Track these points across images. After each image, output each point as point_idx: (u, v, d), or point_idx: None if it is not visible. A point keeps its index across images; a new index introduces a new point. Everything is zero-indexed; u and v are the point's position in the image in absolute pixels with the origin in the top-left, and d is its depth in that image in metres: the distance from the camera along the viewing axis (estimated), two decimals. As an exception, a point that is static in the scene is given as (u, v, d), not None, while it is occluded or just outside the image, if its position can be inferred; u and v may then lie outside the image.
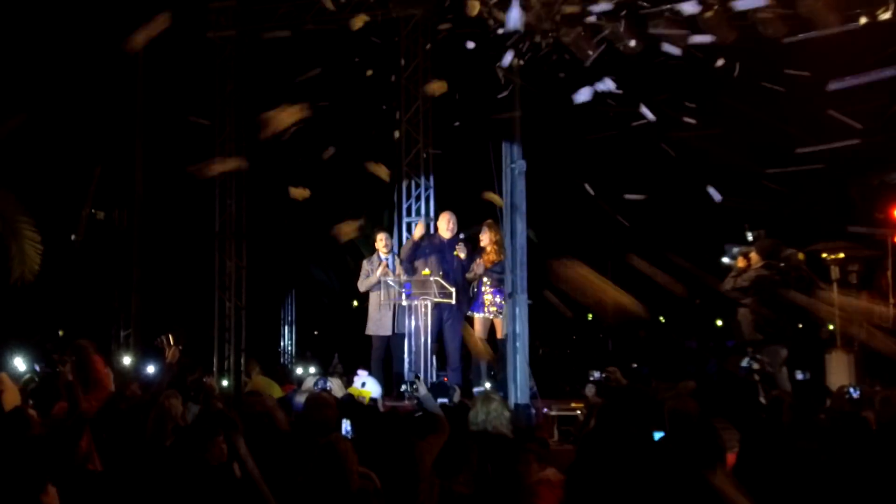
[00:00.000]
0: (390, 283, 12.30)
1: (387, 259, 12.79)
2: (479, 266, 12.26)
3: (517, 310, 9.86)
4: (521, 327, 9.86)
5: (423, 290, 11.93)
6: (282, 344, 32.52)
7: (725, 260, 11.86)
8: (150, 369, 11.22)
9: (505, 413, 7.13)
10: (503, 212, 10.08)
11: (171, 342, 7.60)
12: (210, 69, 16.40)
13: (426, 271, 12.12)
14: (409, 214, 15.17)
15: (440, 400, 8.68)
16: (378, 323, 12.67)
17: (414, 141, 15.14)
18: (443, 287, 11.88)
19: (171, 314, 16.38)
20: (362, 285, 12.76)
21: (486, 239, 12.40)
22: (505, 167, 10.05)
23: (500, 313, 12.14)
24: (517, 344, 9.83)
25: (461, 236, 12.55)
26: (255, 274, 16.79)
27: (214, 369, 16.10)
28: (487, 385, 11.74)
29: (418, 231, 12.83)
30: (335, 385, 9.80)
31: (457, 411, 8.23)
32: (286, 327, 33.05)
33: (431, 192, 15.15)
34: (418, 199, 15.16)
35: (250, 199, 16.58)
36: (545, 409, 10.14)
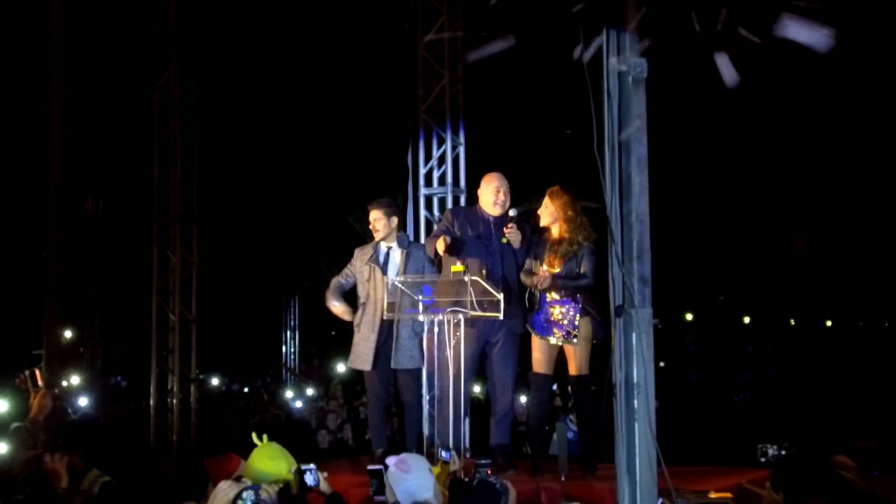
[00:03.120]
0: (396, 283, 7.96)
1: (387, 249, 8.55)
2: (543, 276, 8.02)
3: (634, 338, 5.44)
4: (643, 372, 5.45)
5: (454, 296, 7.61)
6: (283, 351, 29.43)
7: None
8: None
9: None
10: (603, 163, 5.66)
11: (37, 381, 6.24)
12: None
13: (458, 266, 7.76)
14: (428, 184, 10.80)
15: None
16: (360, 349, 8.57)
17: (435, 73, 10.77)
18: (486, 292, 7.56)
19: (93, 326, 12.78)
20: (331, 297, 8.66)
21: (548, 217, 8.16)
22: (607, 75, 5.61)
23: (576, 337, 8.02)
24: (633, 401, 5.43)
25: (512, 213, 8.20)
26: (210, 273, 12.56)
27: (152, 405, 11.86)
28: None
29: (440, 245, 8.40)
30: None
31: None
32: (288, 332, 30.04)
33: (462, 149, 10.77)
34: (442, 161, 10.79)
35: (206, 167, 12.31)
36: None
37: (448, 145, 10.69)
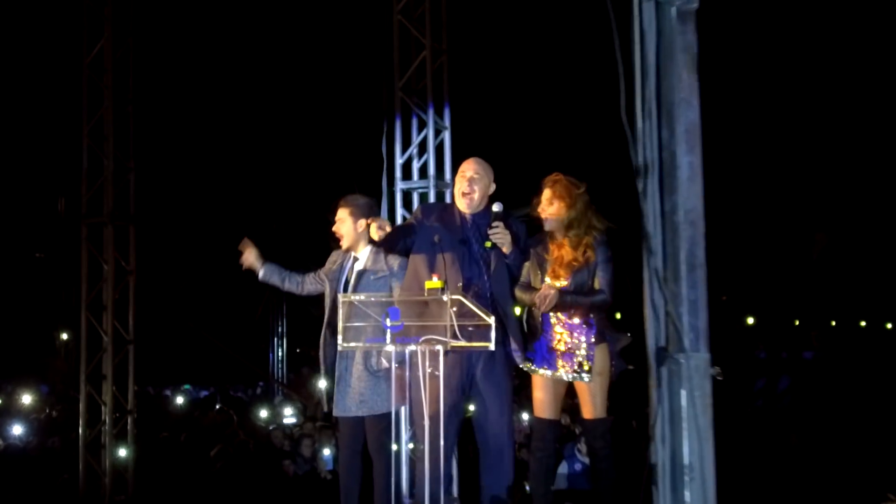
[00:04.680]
0: (355, 301, 6.22)
1: (353, 261, 6.95)
2: (547, 293, 6.34)
3: (683, 397, 3.72)
4: (697, 447, 3.73)
5: (429, 320, 5.88)
6: (271, 358, 27.97)
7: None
8: None
9: None
10: (635, 135, 3.93)
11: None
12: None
13: (435, 282, 6.00)
14: (407, 177, 9.05)
15: None
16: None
17: (415, 42, 9.03)
18: (471, 315, 5.83)
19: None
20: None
21: (551, 215, 6.50)
22: (640, 7, 3.90)
23: (589, 371, 6.42)
24: (684, 492, 3.72)
25: (496, 207, 6.44)
26: (151, 283, 10.83)
27: (80, 442, 10.15)
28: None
29: (374, 233, 6.78)
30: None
31: None
32: (276, 340, 28.66)
33: (447, 135, 9.03)
34: (423, 149, 9.05)
35: (144, 158, 10.59)
36: None
37: (430, 130, 8.95)
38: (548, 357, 6.52)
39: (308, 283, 7.08)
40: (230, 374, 25.08)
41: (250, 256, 6.96)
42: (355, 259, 6.93)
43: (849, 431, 13.77)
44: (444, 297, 5.85)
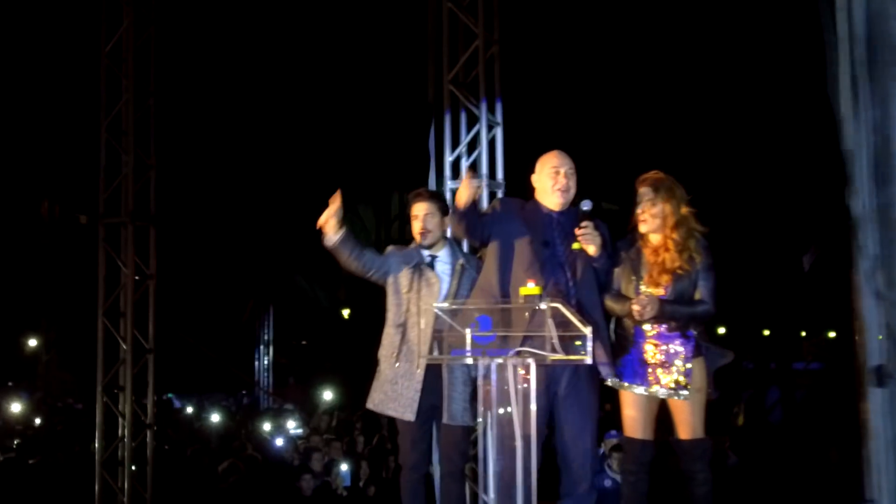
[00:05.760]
0: (437, 311, 5.63)
1: (431, 260, 6.38)
2: (646, 302, 5.78)
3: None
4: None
5: (525, 330, 5.31)
6: (256, 366, 27.53)
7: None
8: None
9: None
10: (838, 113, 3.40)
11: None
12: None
13: (532, 288, 5.42)
14: (456, 175, 8.48)
15: None
16: (396, 389, 6.34)
17: (464, 32, 8.46)
18: (566, 325, 5.26)
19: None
20: (394, 316, 6.42)
21: (649, 217, 5.92)
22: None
23: (687, 387, 5.84)
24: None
25: (586, 206, 5.86)
26: (170, 287, 10.23)
27: (97, 458, 9.54)
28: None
29: (464, 191, 6.00)
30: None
31: None
32: (262, 347, 28.25)
33: (499, 130, 8.46)
34: (473, 146, 8.49)
35: (165, 157, 10.01)
36: None
37: (483, 125, 8.37)
38: (640, 372, 5.98)
39: (386, 265, 6.44)
40: (210, 383, 24.52)
41: (335, 212, 6.20)
42: (432, 258, 6.39)
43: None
44: (543, 305, 5.28)
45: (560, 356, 5.28)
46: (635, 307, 5.81)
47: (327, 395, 21.36)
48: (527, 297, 5.39)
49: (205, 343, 22.10)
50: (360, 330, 21.68)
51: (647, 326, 5.96)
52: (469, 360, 5.61)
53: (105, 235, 9.71)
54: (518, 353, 5.33)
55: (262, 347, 28.05)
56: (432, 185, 8.50)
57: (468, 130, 8.49)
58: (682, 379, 5.89)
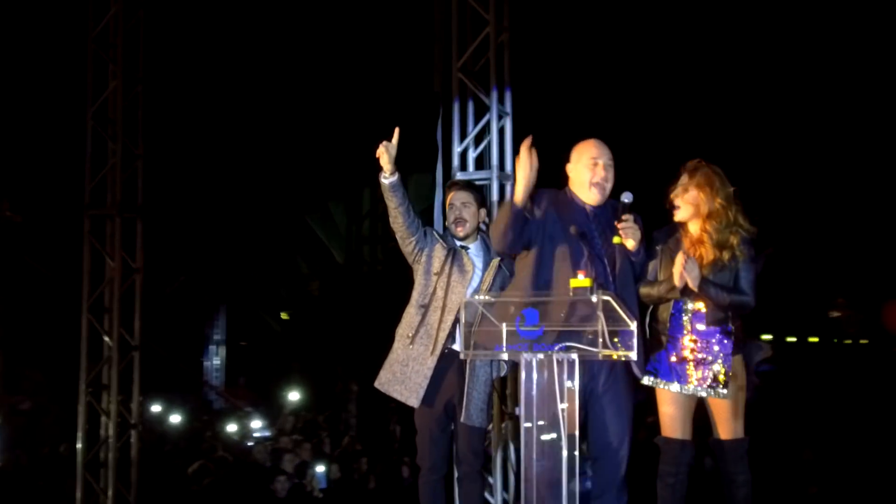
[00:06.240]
0: (477, 303, 5.34)
1: (465, 249, 6.22)
2: (688, 270, 5.56)
3: None
4: None
5: (579, 324, 5.06)
6: (206, 366, 27.17)
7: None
8: None
9: None
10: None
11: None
12: None
13: (582, 280, 5.16)
14: (464, 166, 8.23)
15: None
16: (406, 371, 6.10)
17: (473, 18, 8.21)
18: (615, 318, 5.02)
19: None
20: (418, 296, 6.18)
21: (688, 207, 5.80)
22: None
23: (727, 384, 5.63)
24: None
25: (626, 198, 5.62)
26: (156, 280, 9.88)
27: (79, 460, 9.19)
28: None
29: (522, 181, 5.69)
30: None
31: None
32: (213, 348, 27.94)
33: (508, 121, 8.20)
34: (482, 135, 8.24)
35: (153, 147, 9.67)
36: None
37: (493, 115, 8.12)
38: (677, 369, 5.76)
39: (426, 238, 6.19)
40: (159, 382, 24.06)
41: (389, 148, 5.92)
42: (466, 250, 6.15)
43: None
44: (594, 298, 5.04)
45: (610, 351, 5.05)
46: (676, 270, 5.57)
47: (293, 395, 21.02)
48: (576, 289, 5.14)
49: (155, 341, 21.66)
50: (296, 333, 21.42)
51: (687, 321, 5.75)
52: (504, 355, 5.37)
53: (91, 228, 9.32)
54: (567, 349, 5.10)
55: (212, 348, 27.75)
56: (439, 177, 8.25)
57: (476, 120, 8.24)
58: (722, 377, 5.69)
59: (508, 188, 7.99)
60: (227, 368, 28.24)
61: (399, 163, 6.01)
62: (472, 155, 8.23)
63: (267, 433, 18.27)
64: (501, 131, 8.17)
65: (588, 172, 5.74)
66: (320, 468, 14.00)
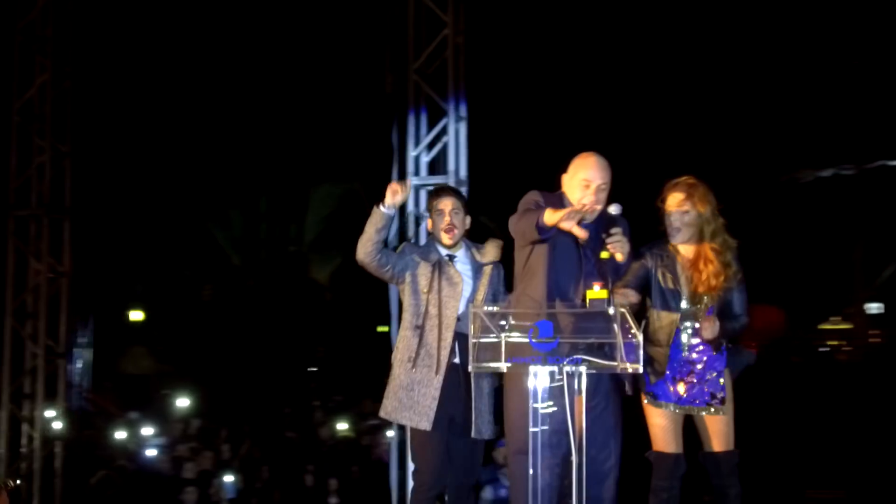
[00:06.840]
0: (482, 315, 5.16)
1: (449, 259, 5.99)
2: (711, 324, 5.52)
3: None
4: None
5: (590, 336, 4.95)
6: (69, 370, 26.25)
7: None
8: None
9: None
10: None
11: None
12: None
13: (598, 291, 5.04)
14: (417, 171, 8.06)
15: None
16: (412, 396, 5.86)
17: (434, 20, 8.06)
18: (630, 330, 4.92)
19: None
20: (411, 318, 5.91)
21: (686, 224, 5.70)
22: None
23: (721, 401, 5.62)
24: None
25: (615, 210, 5.48)
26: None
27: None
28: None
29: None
30: None
31: None
32: (77, 351, 27.05)
33: (463, 125, 8.07)
34: (437, 140, 8.09)
35: (81, 145, 9.26)
36: None
37: (451, 119, 7.98)
38: (672, 386, 5.71)
39: (403, 262, 5.98)
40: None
41: (405, 194, 5.76)
42: (451, 257, 5.95)
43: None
44: (611, 310, 4.94)
45: (625, 364, 4.97)
46: (704, 328, 5.54)
47: (181, 401, 20.40)
48: (593, 300, 5.03)
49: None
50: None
51: (683, 339, 5.72)
52: (504, 367, 5.21)
53: (14, 229, 8.87)
54: (582, 361, 4.99)
55: (76, 350, 26.89)
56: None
57: (430, 124, 8.10)
58: (717, 392, 5.67)
59: (463, 192, 7.87)
60: (94, 372, 27.38)
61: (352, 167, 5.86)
62: (424, 159, 8.10)
63: (159, 441, 17.72)
64: (457, 133, 8.04)
65: (578, 193, 5.57)
66: (228, 477, 13.62)
